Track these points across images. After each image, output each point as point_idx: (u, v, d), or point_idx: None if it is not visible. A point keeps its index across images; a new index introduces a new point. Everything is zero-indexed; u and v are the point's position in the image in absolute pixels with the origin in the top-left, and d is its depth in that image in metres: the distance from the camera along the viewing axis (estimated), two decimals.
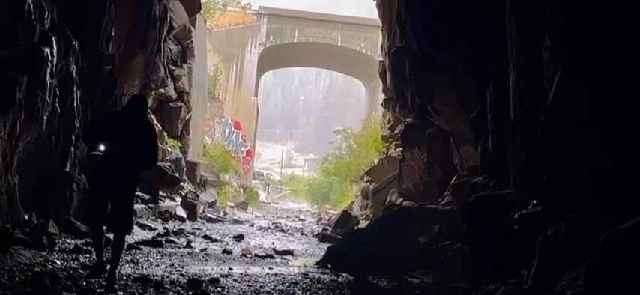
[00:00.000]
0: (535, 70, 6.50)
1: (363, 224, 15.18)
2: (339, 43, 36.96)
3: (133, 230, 10.37)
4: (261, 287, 7.24)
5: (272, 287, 7.31)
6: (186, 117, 19.14)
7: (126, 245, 7.75)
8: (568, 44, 5.60)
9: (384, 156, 19.76)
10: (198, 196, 17.12)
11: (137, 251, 9.24)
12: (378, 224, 10.73)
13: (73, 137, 10.08)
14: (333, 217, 19.25)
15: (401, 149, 16.15)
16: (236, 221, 17.39)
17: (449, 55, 10.29)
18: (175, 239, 11.22)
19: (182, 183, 16.83)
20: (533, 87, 6.65)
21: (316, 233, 15.95)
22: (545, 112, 5.85)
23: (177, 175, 16.07)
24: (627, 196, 4.91)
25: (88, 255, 7.95)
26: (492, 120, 8.55)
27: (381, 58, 20.02)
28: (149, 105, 15.62)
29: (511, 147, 7.44)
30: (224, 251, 10.60)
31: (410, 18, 11.47)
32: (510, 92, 7.41)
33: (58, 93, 9.26)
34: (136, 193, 12.83)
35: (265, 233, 15.27)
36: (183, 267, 8.23)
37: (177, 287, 6.66)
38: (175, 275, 7.44)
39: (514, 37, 7.42)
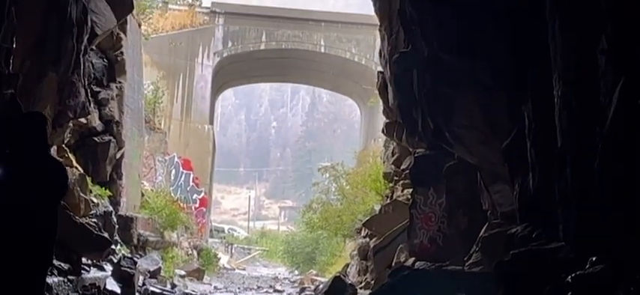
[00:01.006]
0: (589, 80, 6.51)
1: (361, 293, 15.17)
2: (323, 49, 37.16)
3: None
4: None
5: None
6: (118, 156, 19.09)
7: None
8: (633, 44, 5.61)
9: (388, 200, 19.78)
10: (135, 263, 17.01)
11: None
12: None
13: None
14: (322, 286, 19.23)
15: (410, 190, 16.17)
16: None
17: (471, 62, 10.35)
18: None
19: (113, 246, 16.73)
20: (587, 104, 6.67)
21: None
22: (603, 137, 5.86)
23: (106, 235, 15.97)
24: None
25: None
26: (533, 148, 8.58)
27: (379, 68, 20.08)
28: (66, 140, 15.59)
29: (559, 184, 7.45)
30: None
31: (418, 13, 11.54)
32: (556, 111, 7.44)
33: None
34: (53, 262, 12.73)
35: None
36: None
37: None
38: None
39: (558, 38, 7.45)
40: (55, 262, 13.16)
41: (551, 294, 6.84)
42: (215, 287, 21.52)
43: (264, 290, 22.36)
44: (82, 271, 14.41)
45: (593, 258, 6.66)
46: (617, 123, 5.67)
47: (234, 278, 26.57)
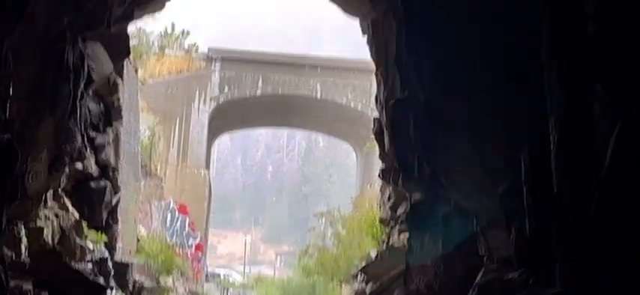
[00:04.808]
0: (585, 126, 6.53)
1: None
2: (319, 95, 37.19)
3: None
4: None
5: None
6: (114, 201, 19.04)
7: None
8: (628, 90, 5.64)
9: (385, 246, 19.73)
10: None
11: None
12: None
13: None
14: None
15: (407, 236, 16.13)
16: None
17: (468, 107, 10.37)
18: None
19: (109, 292, 16.68)
20: (583, 150, 6.68)
21: None
22: (599, 185, 5.87)
23: (101, 281, 15.94)
24: None
25: None
26: (529, 194, 8.58)
27: (375, 114, 20.10)
28: (62, 185, 15.56)
29: (556, 231, 7.45)
30: None
31: (414, 58, 11.56)
32: (552, 156, 7.45)
33: None
34: None
35: None
36: None
37: None
38: None
39: (554, 82, 7.47)
40: None
41: None
42: None
43: None
44: None
45: None
46: (613, 171, 5.68)
47: None
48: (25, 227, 13.82)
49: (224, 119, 39.40)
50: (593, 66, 6.05)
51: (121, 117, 19.37)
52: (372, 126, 19.32)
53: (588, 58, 6.16)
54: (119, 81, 19.05)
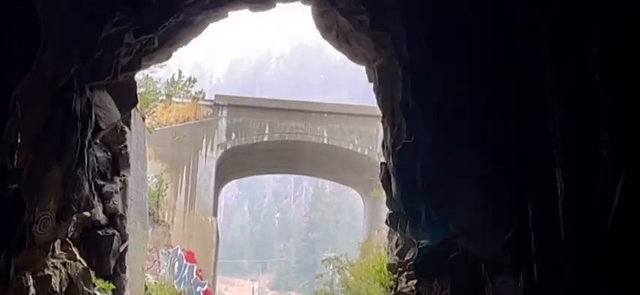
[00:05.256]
0: (592, 173, 6.53)
1: None
2: (326, 141, 37.26)
3: None
4: None
5: None
6: (121, 249, 19.02)
7: None
8: (635, 138, 5.65)
9: (393, 292, 19.66)
10: None
11: None
12: None
13: None
14: None
15: (415, 282, 16.10)
16: None
17: (473, 152, 10.37)
18: None
19: None
20: (589, 197, 6.68)
21: None
22: (604, 234, 5.88)
23: None
24: None
25: None
26: (537, 240, 8.56)
27: (382, 160, 20.10)
28: (69, 234, 15.56)
29: (564, 279, 7.43)
30: None
31: (419, 104, 11.59)
32: (559, 203, 7.44)
33: None
34: None
35: None
36: None
37: None
38: None
39: (559, 129, 7.48)
40: None
41: None
42: None
43: None
44: None
45: None
46: (619, 221, 5.69)
47: None
48: (32, 277, 13.79)
49: (231, 166, 39.45)
50: (601, 115, 6.10)
51: (128, 165, 19.40)
52: (379, 171, 19.30)
53: (595, 107, 6.21)
54: (126, 129, 19.10)
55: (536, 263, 8.69)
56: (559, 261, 7.53)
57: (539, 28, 8.03)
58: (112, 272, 18.49)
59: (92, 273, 16.49)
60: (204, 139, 35.81)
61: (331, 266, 30.49)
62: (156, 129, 30.88)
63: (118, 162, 18.93)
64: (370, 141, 35.07)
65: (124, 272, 19.37)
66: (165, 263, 30.88)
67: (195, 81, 38.16)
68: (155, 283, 26.71)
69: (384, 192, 18.20)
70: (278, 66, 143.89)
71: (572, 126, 7.24)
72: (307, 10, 15.69)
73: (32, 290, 13.68)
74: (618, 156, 5.91)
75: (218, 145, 36.15)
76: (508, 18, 9.22)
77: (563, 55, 7.46)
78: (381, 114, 17.41)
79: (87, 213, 16.49)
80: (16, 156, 11.46)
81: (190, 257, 32.55)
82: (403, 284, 18.59)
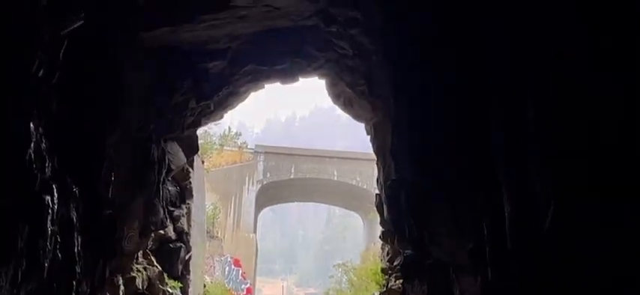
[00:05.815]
0: (529, 203, 6.54)
1: None
2: (335, 178, 37.23)
3: None
4: None
5: None
6: (186, 257, 18.98)
7: None
8: (561, 178, 5.67)
9: (385, 289, 19.50)
10: None
11: None
12: None
13: (74, 283, 10.03)
14: None
15: (401, 281, 15.97)
16: None
17: (442, 185, 10.36)
18: None
19: None
20: (528, 220, 6.67)
21: None
22: (539, 246, 5.89)
23: None
24: None
25: None
26: (490, 250, 8.53)
27: (377, 191, 20.04)
28: (149, 247, 15.59)
29: (509, 279, 7.40)
30: None
31: (402, 151, 11.60)
32: (506, 224, 7.43)
33: (59, 240, 9.27)
34: None
35: None
36: None
37: None
38: None
39: (504, 168, 7.48)
40: None
41: None
42: None
43: None
44: None
45: None
46: (550, 236, 5.69)
47: None
48: (122, 278, 13.81)
49: (266, 196, 39.39)
50: (533, 166, 6.30)
51: (191, 196, 19.41)
52: (375, 200, 19.24)
53: (529, 160, 6.43)
54: (190, 170, 19.12)
55: (490, 266, 8.65)
56: (506, 265, 7.50)
57: (490, 101, 8.05)
58: (179, 274, 18.44)
59: (165, 275, 16.48)
60: (247, 177, 35.79)
61: (340, 270, 30.35)
62: (211, 169, 30.88)
63: (184, 194, 18.94)
64: (368, 178, 34.93)
65: (189, 275, 19.32)
66: (219, 268, 30.75)
67: (240, 134, 38.26)
68: (211, 282, 26.61)
69: (378, 215, 18.12)
70: (301, 123, 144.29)
71: (514, 167, 7.24)
72: (322, 83, 15.72)
73: (122, 288, 13.67)
74: (548, 189, 5.91)
75: (257, 181, 36.12)
76: (469, 86, 9.22)
77: (508, 121, 7.46)
78: (376, 158, 17.38)
79: (161, 231, 16.51)
80: (110, 189, 11.52)
81: (237, 263, 32.39)
82: (392, 283, 18.43)
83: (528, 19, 6.70)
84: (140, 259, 15.19)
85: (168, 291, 16.38)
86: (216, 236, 31.03)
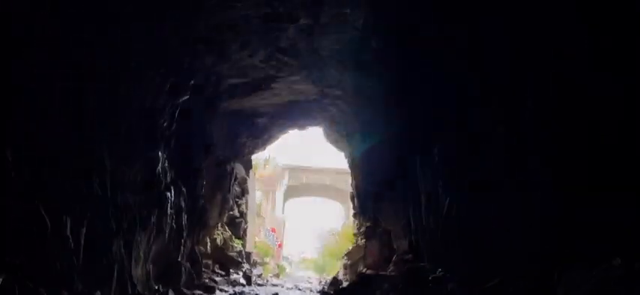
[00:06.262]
0: (436, 200, 6.56)
1: (345, 284, 14.78)
2: (328, 183, 37.08)
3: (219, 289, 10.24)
4: None
5: None
6: (245, 227, 18.96)
7: None
8: (455, 185, 5.68)
9: (356, 244, 19.42)
10: (252, 271, 16.70)
11: None
12: (353, 284, 10.57)
13: (182, 241, 10.07)
14: (328, 280, 18.71)
15: (364, 240, 15.93)
16: (273, 285, 16.93)
17: (386, 192, 10.39)
18: None
19: (243, 264, 16.50)
20: (435, 208, 6.69)
21: (319, 290, 15.59)
22: (440, 226, 5.89)
23: (240, 260, 15.80)
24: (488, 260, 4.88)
25: None
26: (414, 225, 8.54)
27: (351, 190, 20.01)
28: (223, 221, 15.48)
29: (424, 242, 7.41)
30: None
31: (363, 171, 11.65)
32: (421, 209, 7.44)
33: (174, 217, 9.34)
34: (218, 270, 12.58)
35: (291, 290, 15.00)
36: None
37: None
38: None
39: (421, 176, 7.50)
40: (217, 270, 13.08)
41: (422, 283, 6.71)
42: (284, 281, 20.88)
43: (305, 282, 21.59)
44: (230, 274, 14.21)
45: (439, 269, 6.57)
46: (446, 221, 5.68)
47: (292, 278, 25.84)
48: (209, 239, 13.77)
49: (290, 194, 39.26)
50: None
51: (248, 193, 19.37)
52: (350, 196, 19.20)
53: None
54: (247, 178, 19.11)
55: (413, 234, 8.66)
56: (423, 233, 7.50)
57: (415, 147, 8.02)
58: (241, 236, 18.40)
59: (233, 237, 16.41)
60: (278, 183, 35.66)
61: (331, 233, 30.22)
62: (259, 178, 30.76)
63: (244, 192, 18.91)
64: (347, 184, 34.75)
65: (246, 237, 19.25)
66: (263, 233, 30.55)
67: (274, 158, 38.12)
68: (258, 241, 26.44)
69: (351, 204, 18.07)
70: (311, 148, 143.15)
71: (428, 177, 7.25)
72: (320, 129, 15.75)
73: (208, 245, 13.58)
74: (447, 191, 5.93)
75: (285, 184, 36.01)
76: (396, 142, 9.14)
77: (422, 152, 7.42)
78: (351, 172, 17.40)
79: (231, 212, 16.46)
80: (203, 189, 11.53)
81: (273, 230, 32.18)
82: (360, 241, 18.22)
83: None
84: (219, 228, 15.14)
85: (235, 246, 16.32)
86: (261, 216, 30.84)
